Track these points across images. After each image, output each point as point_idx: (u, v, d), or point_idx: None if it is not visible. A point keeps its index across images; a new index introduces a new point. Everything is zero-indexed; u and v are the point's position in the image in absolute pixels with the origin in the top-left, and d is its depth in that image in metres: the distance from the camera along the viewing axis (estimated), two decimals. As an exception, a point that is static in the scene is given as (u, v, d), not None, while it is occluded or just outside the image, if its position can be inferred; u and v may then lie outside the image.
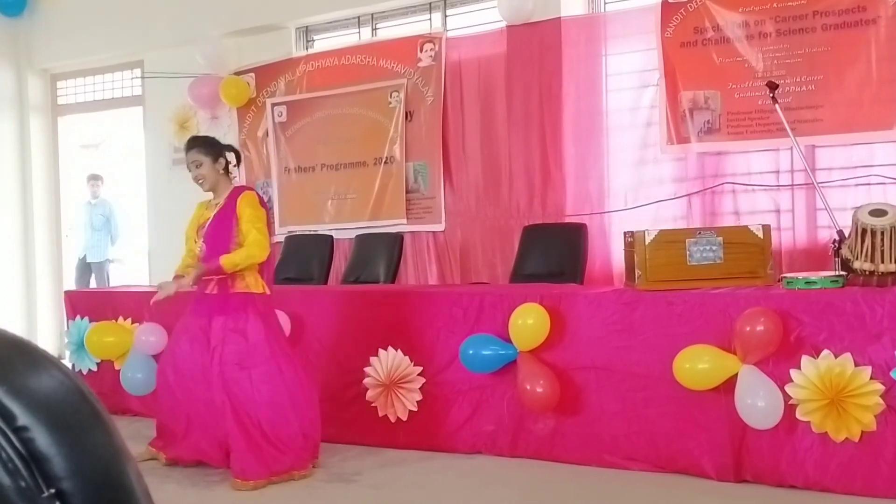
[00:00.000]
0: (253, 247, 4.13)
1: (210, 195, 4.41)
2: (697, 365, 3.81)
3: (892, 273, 3.75)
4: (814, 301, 3.71)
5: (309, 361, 4.93)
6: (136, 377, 5.39)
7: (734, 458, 3.83)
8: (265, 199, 4.45)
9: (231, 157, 4.43)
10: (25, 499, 0.68)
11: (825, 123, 5.20)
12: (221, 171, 4.35)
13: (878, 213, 3.82)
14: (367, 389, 4.72)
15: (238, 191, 4.35)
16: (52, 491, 0.69)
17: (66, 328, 6.35)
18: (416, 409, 4.60)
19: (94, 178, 8.72)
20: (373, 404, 4.70)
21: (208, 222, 4.31)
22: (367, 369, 4.72)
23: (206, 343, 4.20)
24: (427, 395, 4.59)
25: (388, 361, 4.66)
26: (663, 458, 4.02)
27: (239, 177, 7.41)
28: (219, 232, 4.25)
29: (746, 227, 4.22)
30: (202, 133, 7.64)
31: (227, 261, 4.11)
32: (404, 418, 4.62)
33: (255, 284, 4.22)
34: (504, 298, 4.44)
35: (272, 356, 4.16)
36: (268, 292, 4.29)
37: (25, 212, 8.59)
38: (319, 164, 7.06)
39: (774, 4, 5.32)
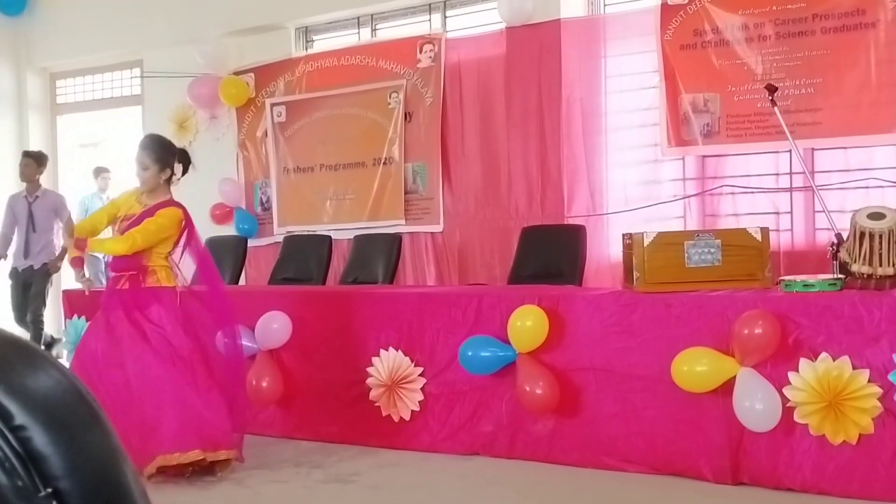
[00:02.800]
0: (120, 241, 4.28)
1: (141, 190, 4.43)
2: (695, 367, 3.81)
3: (890, 276, 3.75)
4: (812, 304, 3.71)
5: (310, 360, 4.95)
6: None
7: (732, 461, 3.83)
8: (189, 217, 4.45)
9: (178, 168, 4.49)
10: (22, 498, 0.67)
11: (824, 126, 5.20)
12: (163, 181, 4.39)
13: (877, 216, 3.83)
14: (370, 389, 4.73)
15: (166, 203, 4.39)
16: (49, 490, 0.69)
17: (63, 327, 6.35)
18: (418, 409, 4.60)
19: (103, 171, 8.52)
20: (376, 404, 4.71)
21: (132, 219, 4.32)
22: (370, 369, 4.73)
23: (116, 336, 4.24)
24: (428, 395, 4.60)
25: (389, 362, 4.67)
26: (661, 460, 4.02)
27: (238, 177, 7.45)
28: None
29: (745, 229, 4.22)
30: (201, 133, 7.67)
31: (94, 241, 4.34)
32: (407, 418, 4.62)
33: (166, 279, 4.36)
34: (503, 300, 4.44)
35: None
36: (177, 287, 4.40)
37: (24, 211, 8.57)
38: (318, 165, 7.06)
39: (774, 7, 5.33)
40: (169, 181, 4.43)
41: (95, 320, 4.44)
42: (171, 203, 4.42)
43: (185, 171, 4.59)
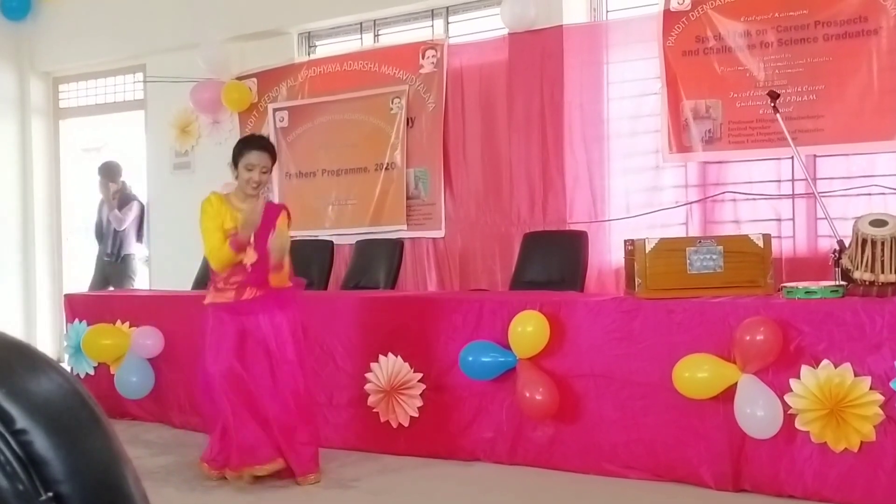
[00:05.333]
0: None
1: (232, 195, 4.28)
2: (697, 374, 3.81)
3: (892, 283, 3.74)
4: (814, 311, 3.71)
5: (311, 366, 4.94)
6: (130, 380, 5.39)
7: (733, 468, 3.83)
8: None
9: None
10: (23, 502, 0.67)
11: (826, 133, 5.20)
12: None
13: (879, 223, 3.83)
14: (368, 395, 4.72)
15: (277, 208, 4.38)
16: (50, 494, 0.69)
17: (65, 331, 6.35)
18: (416, 416, 4.60)
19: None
20: (374, 410, 4.70)
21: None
22: (368, 375, 4.72)
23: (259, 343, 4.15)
24: (427, 401, 4.59)
25: (388, 367, 4.66)
26: (662, 467, 4.01)
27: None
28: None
29: (747, 236, 4.22)
30: (204, 138, 7.68)
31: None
32: (406, 424, 4.62)
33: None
34: (504, 305, 4.44)
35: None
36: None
37: (26, 215, 8.59)
38: (320, 170, 7.06)
39: (776, 14, 5.33)
40: None
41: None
42: (281, 206, 4.32)
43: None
